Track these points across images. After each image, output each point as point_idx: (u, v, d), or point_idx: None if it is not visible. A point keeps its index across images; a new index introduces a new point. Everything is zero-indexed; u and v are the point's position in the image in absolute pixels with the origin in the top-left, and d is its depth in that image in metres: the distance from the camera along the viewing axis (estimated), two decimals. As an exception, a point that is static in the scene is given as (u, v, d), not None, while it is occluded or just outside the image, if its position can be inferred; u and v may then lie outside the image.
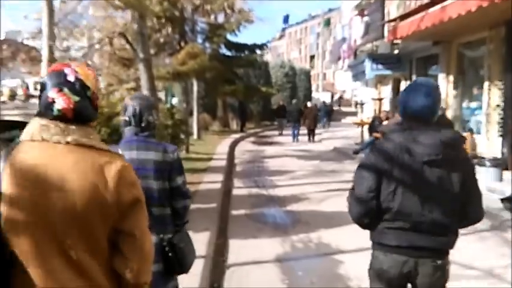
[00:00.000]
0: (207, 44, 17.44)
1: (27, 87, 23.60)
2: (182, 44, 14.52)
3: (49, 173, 1.54)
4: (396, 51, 15.85)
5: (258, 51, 18.09)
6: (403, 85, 16.15)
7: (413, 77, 14.99)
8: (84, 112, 1.66)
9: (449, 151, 2.38)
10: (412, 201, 2.38)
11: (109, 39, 9.27)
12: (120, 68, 13.59)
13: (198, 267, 4.81)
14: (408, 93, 2.52)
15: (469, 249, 5.58)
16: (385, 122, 13.80)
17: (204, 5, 14.75)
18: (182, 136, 12.72)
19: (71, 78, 1.65)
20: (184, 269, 2.88)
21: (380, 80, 21.22)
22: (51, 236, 1.55)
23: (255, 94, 21.08)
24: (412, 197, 2.38)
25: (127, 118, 2.80)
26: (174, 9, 13.35)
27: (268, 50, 20.98)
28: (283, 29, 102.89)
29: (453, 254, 2.59)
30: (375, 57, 15.82)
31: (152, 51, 14.52)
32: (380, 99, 20.05)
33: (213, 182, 10.06)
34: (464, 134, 11.14)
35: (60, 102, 1.61)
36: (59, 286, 1.55)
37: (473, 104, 11.53)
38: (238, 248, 5.90)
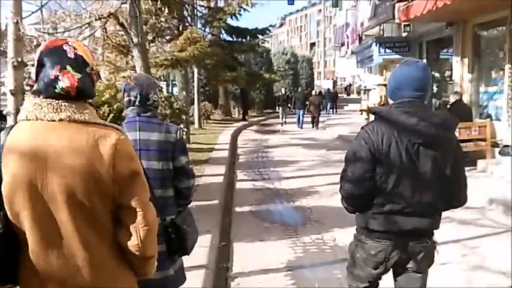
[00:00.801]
0: (207, 29, 16.67)
1: (30, 78, 22.97)
2: (181, 29, 13.74)
3: (44, 151, 1.55)
4: (404, 34, 15.07)
5: (260, 36, 17.27)
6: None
7: (424, 61, 14.24)
8: (85, 89, 1.66)
9: (444, 133, 2.39)
10: (406, 183, 2.37)
11: (102, 23, 8.51)
12: (116, 55, 12.85)
13: (199, 278, 4.20)
14: (400, 75, 2.50)
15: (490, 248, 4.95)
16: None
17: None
18: (182, 126, 12.06)
19: (71, 55, 1.65)
20: (187, 250, 2.84)
21: (386, 66, 20.45)
22: (51, 215, 1.56)
23: (257, 81, 20.28)
24: (407, 179, 2.37)
25: (132, 98, 2.77)
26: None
27: (270, 35, 20.09)
28: (284, 17, 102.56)
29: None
30: (383, 41, 15.01)
31: (150, 37, 13.81)
32: (386, 85, 19.31)
33: (215, 175, 9.40)
34: (483, 120, 10.59)
35: (65, 81, 1.60)
36: (63, 264, 1.58)
37: (492, 89, 10.80)
38: (243, 254, 5.24)
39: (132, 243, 1.63)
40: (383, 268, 2.53)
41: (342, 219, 6.55)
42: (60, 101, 1.61)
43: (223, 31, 17.01)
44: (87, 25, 7.43)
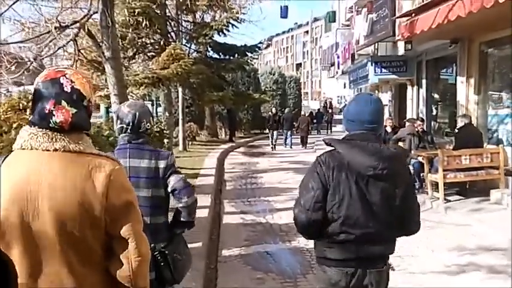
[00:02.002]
0: (193, 46, 15.65)
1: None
2: (164, 45, 12.71)
3: (37, 181, 1.54)
4: (401, 53, 14.27)
5: (249, 54, 16.26)
6: (410, 91, 14.52)
7: (423, 82, 13.40)
8: (80, 123, 1.66)
9: (393, 165, 2.47)
10: (357, 213, 2.43)
11: (72, 35, 7.46)
12: (93, 72, 11.79)
13: None
14: (353, 107, 2.59)
15: None
16: (388, 129, 12.23)
17: (190, 1, 12.93)
18: (163, 150, 10.97)
19: (67, 88, 1.65)
20: (177, 279, 2.81)
21: (380, 86, 19.68)
22: (41, 245, 1.54)
23: (246, 101, 19.17)
24: (358, 209, 2.43)
25: (124, 125, 2.76)
26: (152, 4, 11.55)
27: (259, 53, 19.11)
28: (271, 38, 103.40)
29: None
30: (379, 60, 14.14)
31: (130, 53, 12.80)
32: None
33: (199, 207, 8.26)
34: (495, 147, 9.68)
35: (59, 116, 1.61)
36: None
37: (503, 111, 9.93)
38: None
39: (124, 274, 1.61)
40: None
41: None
42: (55, 132, 1.61)
43: (209, 48, 15.94)
44: (46, 34, 6.34)
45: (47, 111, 1.60)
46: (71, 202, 1.54)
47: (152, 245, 2.55)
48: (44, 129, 1.60)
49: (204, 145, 22.12)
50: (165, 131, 10.04)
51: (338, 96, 64.39)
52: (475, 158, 8.89)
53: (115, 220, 1.60)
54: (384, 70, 14.10)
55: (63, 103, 1.61)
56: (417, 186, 9.89)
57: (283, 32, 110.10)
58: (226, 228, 7.45)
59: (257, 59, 18.20)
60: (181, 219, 2.84)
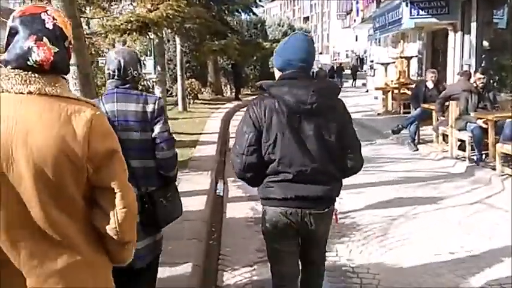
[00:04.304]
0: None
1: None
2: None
3: (10, 126, 1.44)
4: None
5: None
6: (452, 38, 12.02)
7: (473, 26, 10.85)
8: (60, 64, 1.56)
9: (323, 100, 2.45)
10: (292, 151, 2.44)
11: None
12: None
13: None
14: (284, 47, 2.61)
15: None
16: (430, 85, 9.92)
17: None
18: (151, 95, 8.75)
19: (49, 25, 1.54)
20: (160, 224, 2.77)
21: (406, 35, 17.11)
22: (18, 196, 1.45)
23: (254, 52, 16.52)
24: (292, 147, 2.44)
25: (111, 71, 2.79)
26: None
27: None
28: None
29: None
30: (414, 0, 11.61)
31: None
32: (409, 58, 16.02)
33: (194, 193, 6.10)
34: None
35: (40, 54, 1.50)
36: (33, 247, 1.47)
37: None
38: None
39: (110, 227, 1.54)
40: (287, 236, 2.58)
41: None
42: (30, 72, 1.49)
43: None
44: None
45: (26, 48, 1.49)
46: (49, 150, 1.43)
47: (143, 189, 2.66)
48: (16, 70, 1.49)
49: (207, 104, 19.94)
50: (150, 90, 7.73)
51: (346, 51, 61.54)
52: None
53: (98, 169, 1.51)
54: (421, 12, 11.61)
55: (45, 39, 1.51)
56: (476, 158, 7.72)
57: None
58: (230, 229, 5.31)
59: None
60: (160, 171, 2.78)
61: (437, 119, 9.29)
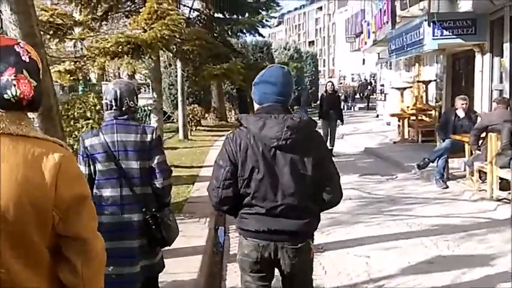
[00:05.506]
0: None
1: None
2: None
3: None
4: (466, 9, 10.63)
5: (264, 13, 12.42)
6: (479, 61, 10.88)
7: (506, 46, 9.69)
8: (37, 99, 1.46)
9: (297, 135, 2.43)
10: (266, 186, 2.44)
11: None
12: (49, 37, 8.53)
13: None
14: (259, 80, 2.60)
15: None
16: (460, 113, 8.73)
17: None
18: (148, 125, 7.63)
19: (25, 58, 1.44)
20: (168, 240, 2.94)
21: (421, 58, 16.00)
22: None
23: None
24: (266, 182, 2.44)
25: (108, 102, 2.87)
26: None
27: (279, 12, 15.19)
28: (282, 16, 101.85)
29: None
30: (439, 19, 10.50)
31: (100, 12, 9.36)
32: (427, 82, 14.89)
33: (188, 250, 4.87)
34: None
35: (21, 87, 1.40)
36: None
37: None
38: None
39: (75, 280, 1.43)
40: (259, 269, 2.56)
41: None
42: (18, 111, 1.40)
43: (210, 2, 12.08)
44: None
45: (4, 81, 1.38)
46: (12, 196, 1.30)
47: (143, 210, 2.85)
48: None
49: (210, 131, 18.96)
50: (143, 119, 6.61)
51: (352, 74, 60.91)
52: None
53: (65, 216, 1.39)
54: (445, 32, 10.48)
55: (25, 73, 1.41)
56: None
57: (295, 9, 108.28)
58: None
59: (272, 17, 14.26)
60: (156, 198, 2.95)
61: (472, 153, 8.09)
